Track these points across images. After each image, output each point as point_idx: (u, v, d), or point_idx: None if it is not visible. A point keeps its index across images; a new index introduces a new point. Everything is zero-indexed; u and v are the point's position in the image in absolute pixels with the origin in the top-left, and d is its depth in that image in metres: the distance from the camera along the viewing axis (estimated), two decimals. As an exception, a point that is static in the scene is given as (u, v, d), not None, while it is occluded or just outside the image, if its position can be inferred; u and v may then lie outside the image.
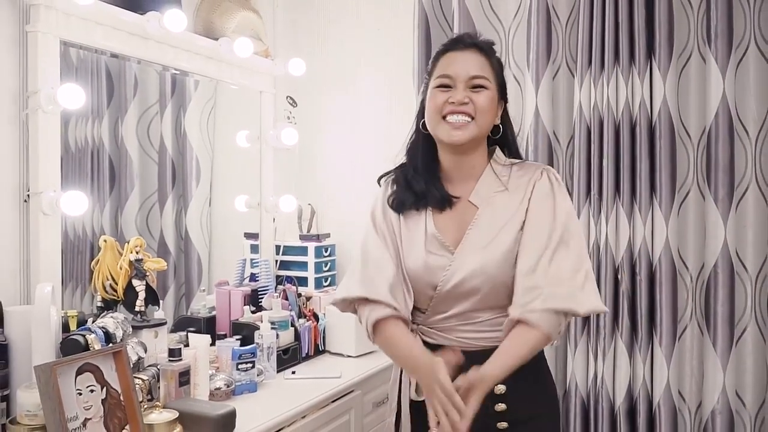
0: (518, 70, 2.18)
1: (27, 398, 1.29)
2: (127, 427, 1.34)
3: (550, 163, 2.10)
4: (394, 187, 1.48)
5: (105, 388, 1.33)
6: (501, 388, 1.33)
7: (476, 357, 1.32)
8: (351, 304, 1.45)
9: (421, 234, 1.42)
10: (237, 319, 2.12)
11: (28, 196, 1.61)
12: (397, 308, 1.38)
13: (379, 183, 1.53)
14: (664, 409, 1.93)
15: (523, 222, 1.37)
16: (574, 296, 1.32)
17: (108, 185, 2.04)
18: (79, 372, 1.30)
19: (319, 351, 2.21)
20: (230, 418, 1.50)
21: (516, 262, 1.35)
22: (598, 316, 1.98)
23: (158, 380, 1.60)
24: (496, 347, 1.32)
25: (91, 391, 1.31)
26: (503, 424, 1.37)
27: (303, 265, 2.45)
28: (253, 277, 2.38)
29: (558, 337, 1.36)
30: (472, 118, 1.36)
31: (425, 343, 1.42)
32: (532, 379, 1.38)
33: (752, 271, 1.89)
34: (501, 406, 1.35)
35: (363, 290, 1.40)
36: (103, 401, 1.32)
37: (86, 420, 1.28)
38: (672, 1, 1.95)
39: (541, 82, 2.07)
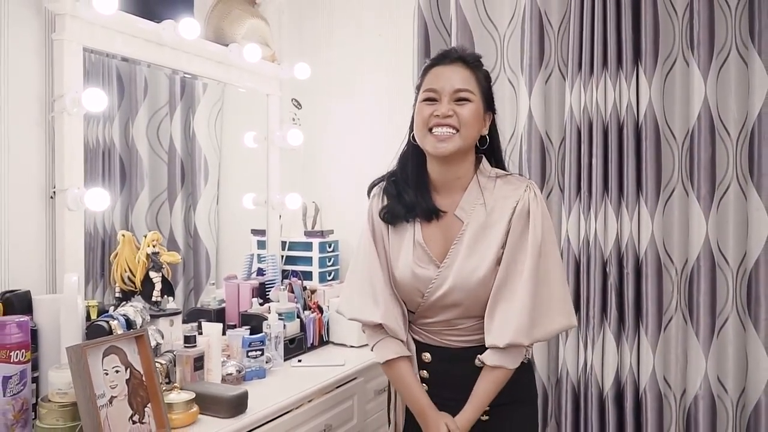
0: (513, 74, 2.25)
1: (58, 378, 1.37)
2: (149, 405, 1.43)
3: (543, 163, 2.17)
4: (386, 201, 1.53)
5: (129, 369, 1.42)
6: None
7: (460, 353, 1.47)
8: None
9: (410, 244, 1.49)
10: (246, 311, 2.19)
11: (54, 193, 1.70)
12: (403, 341, 1.50)
13: (369, 193, 1.58)
14: (650, 395, 2.00)
15: (504, 241, 1.42)
16: (538, 327, 1.40)
17: (119, 184, 2.08)
18: (105, 354, 1.38)
19: (323, 341, 2.29)
20: (243, 399, 1.59)
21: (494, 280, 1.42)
22: (587, 308, 2.06)
23: (175, 365, 1.68)
24: (476, 347, 1.44)
25: (117, 371, 1.39)
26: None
27: (308, 260, 2.53)
28: (260, 272, 2.45)
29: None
30: (457, 131, 1.41)
31: (415, 341, 1.53)
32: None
33: (733, 264, 1.96)
34: None
35: (378, 316, 1.48)
36: (127, 381, 1.41)
37: (112, 398, 1.36)
38: (658, 9, 2.02)
39: (534, 85, 2.14)
